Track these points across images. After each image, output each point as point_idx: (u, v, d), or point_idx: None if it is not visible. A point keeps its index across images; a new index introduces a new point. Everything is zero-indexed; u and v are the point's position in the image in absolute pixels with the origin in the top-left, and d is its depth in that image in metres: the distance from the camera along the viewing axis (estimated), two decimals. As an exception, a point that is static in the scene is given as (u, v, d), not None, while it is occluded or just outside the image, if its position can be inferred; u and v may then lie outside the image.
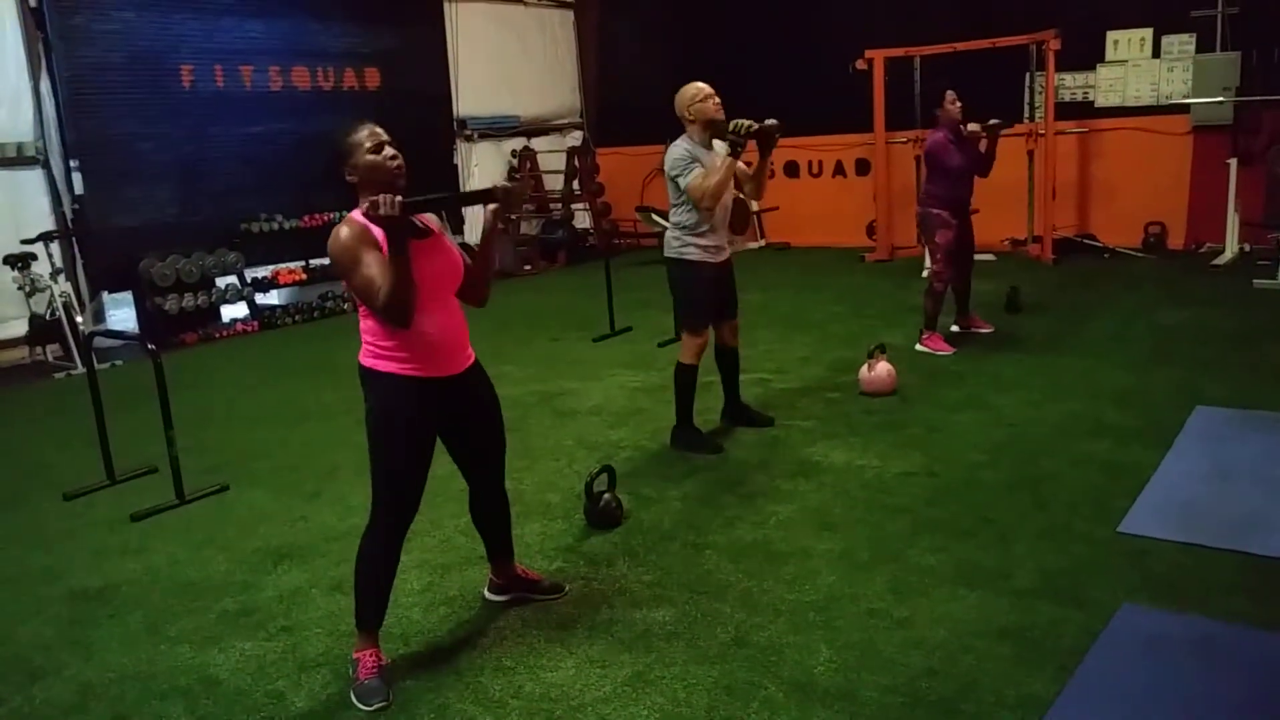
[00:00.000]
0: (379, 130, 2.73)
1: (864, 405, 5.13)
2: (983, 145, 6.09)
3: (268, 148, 9.05)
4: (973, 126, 6.00)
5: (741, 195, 4.54)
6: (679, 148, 4.34)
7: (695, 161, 4.28)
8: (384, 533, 2.80)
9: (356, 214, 2.69)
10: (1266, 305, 6.69)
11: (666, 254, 4.56)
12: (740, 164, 4.35)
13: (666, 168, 4.38)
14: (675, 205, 4.46)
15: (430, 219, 2.82)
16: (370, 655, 2.79)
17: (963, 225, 6.09)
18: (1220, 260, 8.27)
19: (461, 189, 10.96)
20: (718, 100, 4.35)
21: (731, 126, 4.21)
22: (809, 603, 3.12)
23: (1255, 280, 7.29)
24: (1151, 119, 9.11)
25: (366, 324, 2.74)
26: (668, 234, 4.57)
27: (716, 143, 4.37)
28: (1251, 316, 6.39)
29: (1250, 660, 2.66)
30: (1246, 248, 8.36)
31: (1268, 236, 7.62)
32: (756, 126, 4.19)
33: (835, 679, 2.69)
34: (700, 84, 4.39)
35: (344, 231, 2.65)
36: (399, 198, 2.52)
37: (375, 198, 2.51)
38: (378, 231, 2.63)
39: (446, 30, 10.75)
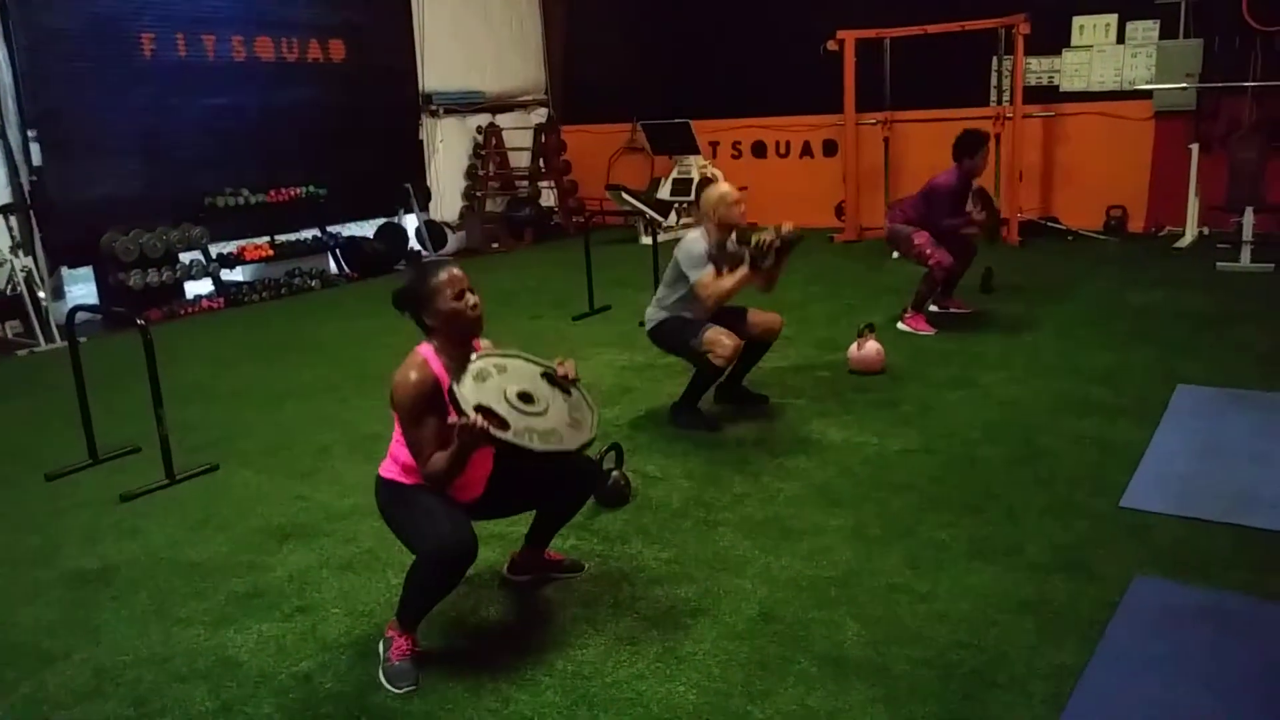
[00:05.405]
0: (459, 274, 2.70)
1: (854, 383, 5.17)
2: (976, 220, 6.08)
3: (232, 120, 8.80)
4: (977, 217, 6.04)
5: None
6: (697, 244, 4.40)
7: (710, 262, 4.38)
8: (436, 572, 2.65)
9: (427, 354, 2.67)
10: (1231, 287, 6.88)
11: (649, 328, 4.65)
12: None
13: (679, 257, 4.44)
14: (670, 289, 4.53)
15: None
16: (405, 640, 2.72)
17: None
18: (1181, 243, 8.48)
19: (426, 166, 10.82)
20: (744, 209, 4.46)
21: (754, 242, 4.34)
22: (829, 578, 3.15)
23: (1219, 263, 7.48)
24: (1115, 104, 9.27)
25: (401, 450, 2.72)
26: (648, 310, 4.65)
27: (731, 243, 4.49)
28: (1219, 298, 6.56)
29: (1265, 630, 2.75)
30: (1205, 231, 8.58)
31: (1230, 220, 7.82)
32: (779, 242, 4.33)
33: (866, 653, 2.72)
34: (729, 187, 4.48)
35: (413, 377, 2.61)
36: (488, 427, 2.45)
37: (465, 424, 2.44)
38: (443, 377, 2.62)
39: (412, 3, 10.55)
